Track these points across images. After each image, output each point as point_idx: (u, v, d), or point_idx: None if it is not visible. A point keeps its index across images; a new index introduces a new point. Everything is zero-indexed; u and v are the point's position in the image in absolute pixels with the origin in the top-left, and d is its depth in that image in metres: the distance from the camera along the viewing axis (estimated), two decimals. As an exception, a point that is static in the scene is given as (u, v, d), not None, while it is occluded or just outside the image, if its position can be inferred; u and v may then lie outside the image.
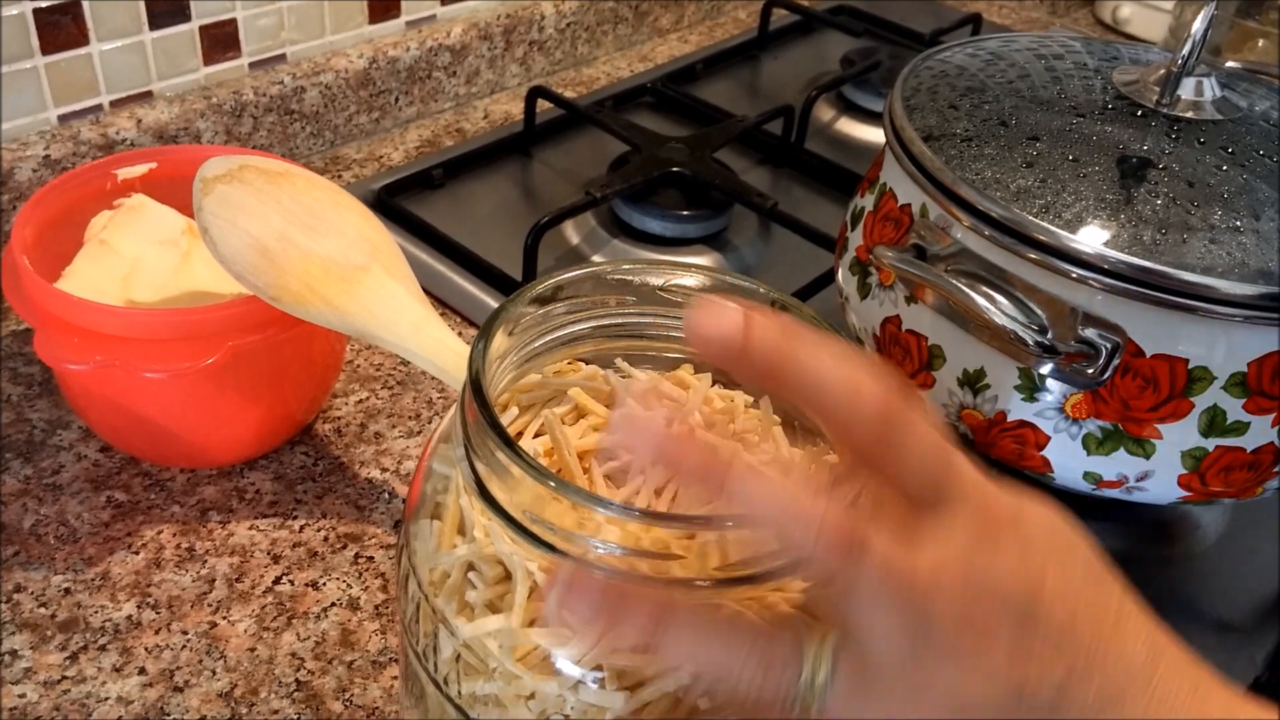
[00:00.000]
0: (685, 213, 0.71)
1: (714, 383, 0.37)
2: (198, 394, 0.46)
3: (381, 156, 0.77)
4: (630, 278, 0.34)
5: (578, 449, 0.33)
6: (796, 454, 0.35)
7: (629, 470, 0.34)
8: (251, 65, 0.71)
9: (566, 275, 0.34)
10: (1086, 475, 0.47)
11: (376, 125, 0.79)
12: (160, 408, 0.47)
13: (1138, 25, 1.09)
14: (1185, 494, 0.46)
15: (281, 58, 0.73)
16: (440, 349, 0.45)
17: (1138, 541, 0.54)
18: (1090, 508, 0.52)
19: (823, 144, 0.86)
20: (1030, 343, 0.42)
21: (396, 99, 0.79)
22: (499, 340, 0.32)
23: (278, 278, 0.44)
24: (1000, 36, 0.58)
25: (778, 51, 0.99)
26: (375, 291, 0.45)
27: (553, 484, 0.26)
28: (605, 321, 0.35)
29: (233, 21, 0.69)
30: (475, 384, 0.28)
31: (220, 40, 0.69)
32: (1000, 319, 0.42)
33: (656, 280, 0.34)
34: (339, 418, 0.55)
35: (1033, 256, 0.43)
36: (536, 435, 0.34)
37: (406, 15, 0.79)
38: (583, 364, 0.37)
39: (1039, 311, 0.44)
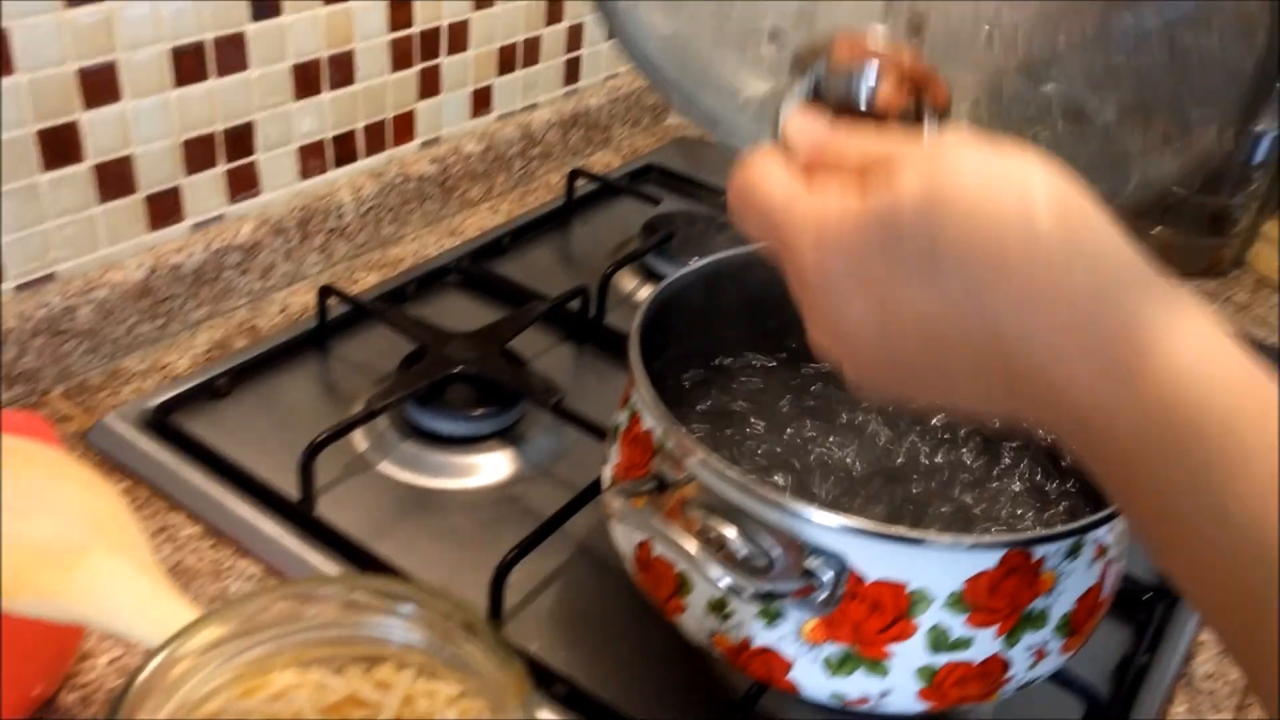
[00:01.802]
0: (476, 412, 0.71)
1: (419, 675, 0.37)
2: (-99, 699, 0.44)
3: (166, 366, 0.75)
4: (306, 592, 0.34)
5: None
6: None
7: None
8: (17, 289, 0.70)
9: (232, 608, 0.33)
10: (833, 695, 0.47)
11: (162, 332, 0.78)
12: None
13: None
14: (928, 705, 0.47)
15: (50, 277, 0.71)
16: (165, 629, 0.43)
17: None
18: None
19: (626, 314, 0.87)
20: (744, 594, 0.42)
21: (183, 303, 0.78)
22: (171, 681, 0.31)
23: (-16, 572, 0.42)
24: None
25: (586, 217, 1.02)
26: (94, 573, 0.43)
27: None
28: (298, 637, 0.35)
29: (-7, 249, 0.68)
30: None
31: (-20, 267, 0.68)
32: (713, 572, 0.42)
33: (330, 602, 0.34)
34: (87, 684, 0.53)
35: (757, 492, 0.45)
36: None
37: (191, 218, 0.79)
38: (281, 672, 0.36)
39: (768, 541, 0.45)
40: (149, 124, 0.73)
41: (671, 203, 1.02)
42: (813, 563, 0.44)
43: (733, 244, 0.90)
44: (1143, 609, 0.63)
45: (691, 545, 0.42)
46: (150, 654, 0.31)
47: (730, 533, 0.45)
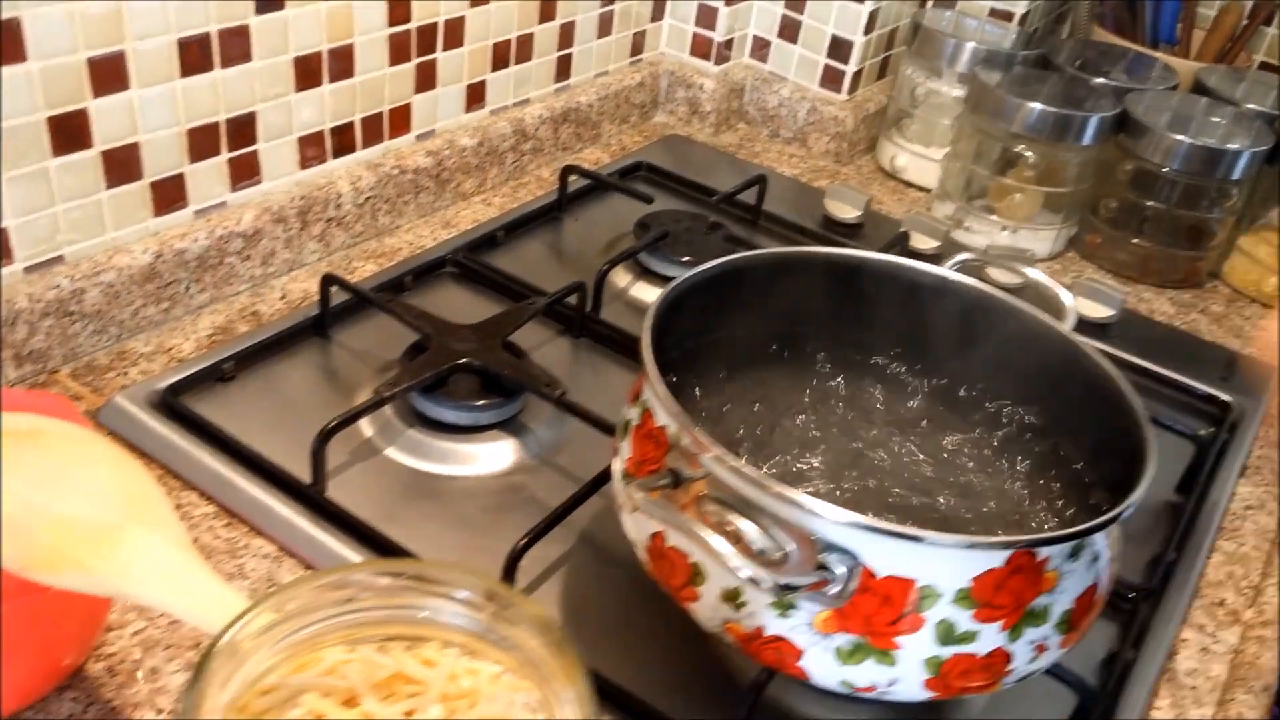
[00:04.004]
0: (479, 402, 0.72)
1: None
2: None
3: (171, 348, 0.76)
4: (354, 576, 0.35)
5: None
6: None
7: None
8: (26, 270, 0.70)
9: (281, 593, 0.34)
10: (842, 682, 0.49)
11: (166, 315, 0.78)
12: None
13: (913, 173, 1.18)
14: (933, 694, 0.49)
15: (59, 259, 0.72)
16: (200, 601, 0.44)
17: (906, 712, 0.58)
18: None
19: (620, 310, 0.89)
20: (763, 586, 0.44)
21: (187, 288, 0.79)
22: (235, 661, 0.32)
23: (25, 549, 0.43)
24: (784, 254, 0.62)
25: (578, 212, 1.03)
26: (130, 548, 0.44)
27: None
28: (345, 618, 0.36)
29: (2, 231, 0.68)
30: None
31: (-10, 248, 0.68)
32: (734, 562, 0.44)
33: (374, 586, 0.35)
34: (112, 654, 0.53)
35: (774, 490, 0.46)
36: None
37: (194, 204, 0.79)
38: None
39: (783, 536, 0.47)
40: (155, 112, 0.73)
41: (664, 201, 1.04)
42: (827, 558, 0.46)
43: (727, 246, 0.93)
44: (1129, 607, 0.66)
45: (715, 539, 0.44)
46: (217, 635, 0.32)
47: (747, 527, 0.47)
